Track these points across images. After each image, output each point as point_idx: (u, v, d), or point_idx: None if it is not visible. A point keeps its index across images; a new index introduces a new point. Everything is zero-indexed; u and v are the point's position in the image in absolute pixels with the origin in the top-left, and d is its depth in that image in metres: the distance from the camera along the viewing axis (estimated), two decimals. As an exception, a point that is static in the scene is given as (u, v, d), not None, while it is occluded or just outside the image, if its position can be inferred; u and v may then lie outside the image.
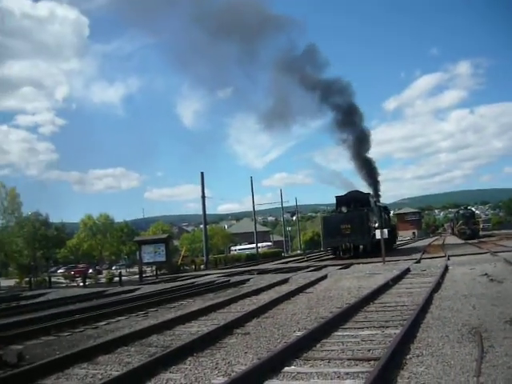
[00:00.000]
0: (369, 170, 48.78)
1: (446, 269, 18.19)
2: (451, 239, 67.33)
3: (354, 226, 31.91)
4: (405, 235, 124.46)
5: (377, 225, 32.08)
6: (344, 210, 33.59)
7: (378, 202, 43.96)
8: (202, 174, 43.95)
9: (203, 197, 43.29)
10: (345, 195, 36.18)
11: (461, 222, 65.62)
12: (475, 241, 49.61)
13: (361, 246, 32.25)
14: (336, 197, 36.33)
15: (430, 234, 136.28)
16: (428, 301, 10.55)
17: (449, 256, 25.33)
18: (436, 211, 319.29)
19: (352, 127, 47.11)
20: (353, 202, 34.24)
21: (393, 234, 45.86)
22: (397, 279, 15.63)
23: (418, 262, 23.75)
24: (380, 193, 50.50)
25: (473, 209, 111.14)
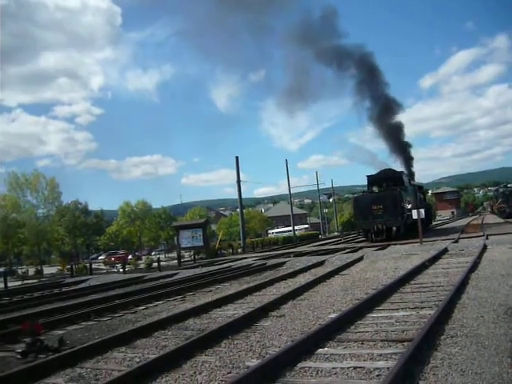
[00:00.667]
0: (398, 142, 46.09)
1: (485, 248, 17.97)
2: (491, 218, 66.18)
3: (386, 207, 29.51)
4: (444, 215, 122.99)
5: (410, 205, 29.36)
6: (375, 189, 30.70)
7: (413, 180, 41.77)
8: (237, 158, 44.03)
9: (238, 181, 43.42)
10: (377, 174, 34.06)
11: (500, 200, 64.24)
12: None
13: (394, 228, 29.68)
14: (367, 176, 33.81)
15: (469, 213, 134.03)
16: (464, 281, 10.46)
17: (487, 235, 24.94)
18: (475, 190, 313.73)
19: (373, 92, 44.32)
20: (385, 182, 31.81)
21: (429, 214, 43.26)
22: (434, 259, 15.52)
23: (456, 241, 23.47)
24: (414, 170, 47.99)
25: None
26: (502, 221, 49.84)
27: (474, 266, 12.96)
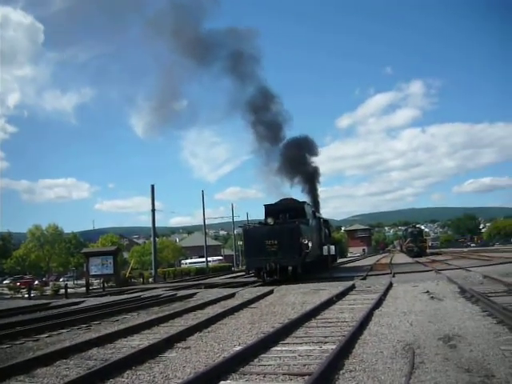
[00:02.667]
0: (304, 172, 44.24)
1: (390, 286, 18.55)
2: (399, 256, 68.68)
3: (281, 243, 25.00)
4: (355, 251, 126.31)
5: (310, 241, 26.25)
6: (270, 221, 26.11)
7: (318, 212, 39.14)
8: (153, 186, 43.69)
9: (153, 210, 43.02)
10: (275, 204, 29.68)
11: (409, 239, 67.02)
12: (423, 258, 50.65)
13: (290, 268, 24.89)
14: (265, 206, 29.40)
15: (379, 251, 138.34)
16: (367, 317, 10.78)
17: (394, 273, 25.85)
18: (386, 228, 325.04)
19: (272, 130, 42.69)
20: (284, 212, 27.14)
21: (335, 251, 40.70)
22: (341, 295, 15.88)
23: (364, 278, 24.19)
24: (320, 200, 46.61)
25: (422, 227, 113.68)
26: (410, 260, 51.69)
27: (379, 303, 13.38)
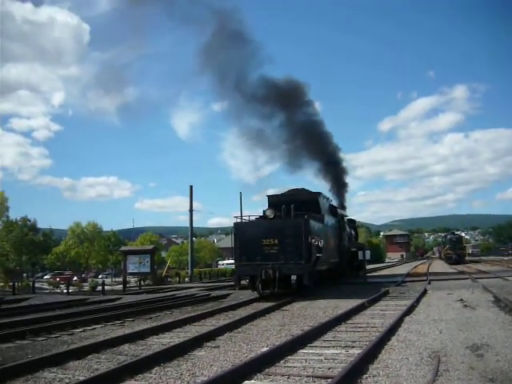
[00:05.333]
0: (328, 163, 38.45)
1: (425, 293, 18.41)
2: (438, 263, 67.69)
3: (283, 243, 18.92)
4: (393, 257, 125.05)
5: (320, 244, 19.89)
6: (269, 214, 19.93)
7: (340, 209, 31.15)
8: (191, 187, 44.07)
9: (191, 210, 43.41)
10: (281, 194, 23.93)
11: (448, 246, 65.91)
12: (460, 266, 49.88)
13: (293, 277, 18.71)
14: (268, 196, 23.43)
15: (418, 257, 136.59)
16: (397, 323, 10.78)
17: (430, 280, 25.55)
18: (426, 234, 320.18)
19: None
20: (291, 206, 19.73)
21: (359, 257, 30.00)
22: (373, 301, 15.84)
23: (399, 284, 23.98)
24: (346, 196, 39.87)
25: (462, 234, 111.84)
26: (447, 267, 50.98)
27: (410, 310, 13.32)
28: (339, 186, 39.44)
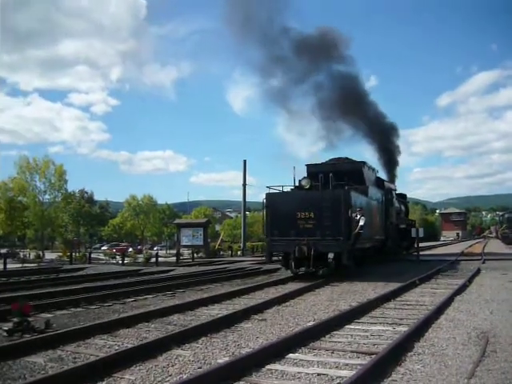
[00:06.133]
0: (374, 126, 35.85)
1: (478, 272, 18.08)
2: (494, 243, 66.10)
3: (320, 216, 17.06)
4: (448, 235, 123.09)
5: (363, 219, 17.07)
6: (305, 184, 18.20)
7: (388, 182, 28.25)
8: (245, 161, 44.23)
9: (244, 184, 43.64)
10: (321, 164, 21.89)
11: (505, 225, 63.85)
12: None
13: (330, 255, 16.65)
14: (306, 166, 21.01)
15: (474, 236, 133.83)
16: (447, 302, 10.64)
17: (484, 260, 25.04)
18: (483, 213, 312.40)
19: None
20: (333, 176, 17.86)
21: (409, 235, 28.57)
22: (424, 279, 15.65)
23: (452, 263, 23.59)
24: (396, 169, 37.13)
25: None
26: (504, 247, 49.76)
27: (462, 289, 13.11)
28: (388, 158, 36.88)
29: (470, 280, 15.46)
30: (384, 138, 37.01)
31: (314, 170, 19.71)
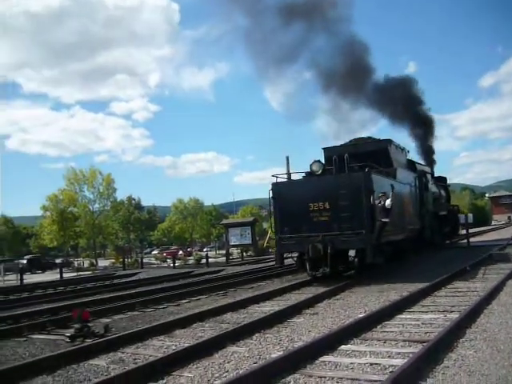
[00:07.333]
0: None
1: (531, 257, 17.76)
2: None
3: (336, 206, 14.40)
4: (499, 219, 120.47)
5: (391, 203, 14.26)
6: (316, 169, 15.38)
7: (423, 165, 25.54)
8: (287, 158, 44.12)
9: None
10: (340, 146, 18.89)
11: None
12: None
13: (351, 252, 14.18)
14: (323, 150, 18.40)
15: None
16: (499, 287, 10.58)
17: (538, 243, 24.54)
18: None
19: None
20: (355, 159, 15.27)
21: (451, 222, 26.66)
22: (475, 265, 15.49)
23: (503, 248, 23.19)
24: (434, 155, 32.87)
25: None
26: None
27: (515, 274, 12.97)
28: (422, 143, 32.92)
29: (522, 264, 15.26)
30: (418, 122, 33.20)
31: (332, 153, 16.21)
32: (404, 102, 31.77)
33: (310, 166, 15.52)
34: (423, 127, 32.88)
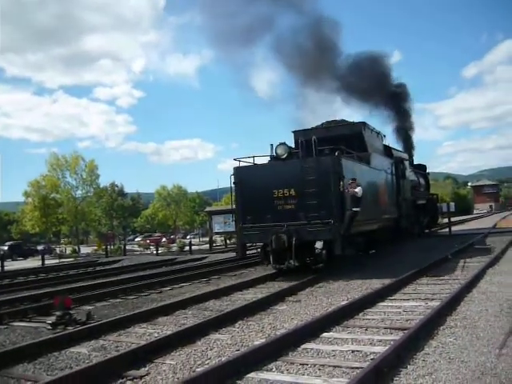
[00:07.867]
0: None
1: (511, 245, 17.97)
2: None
3: (303, 194, 13.35)
4: (481, 208, 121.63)
5: (360, 190, 13.33)
6: (281, 152, 14.16)
7: (400, 150, 24.30)
8: (272, 145, 44.29)
9: (272, 168, 43.72)
10: (310, 129, 17.41)
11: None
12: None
13: (318, 244, 13.17)
14: (293, 133, 17.23)
15: (508, 208, 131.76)
16: (479, 275, 10.70)
17: (518, 231, 24.84)
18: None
19: None
20: (327, 143, 14.30)
21: (430, 211, 26.61)
22: (456, 254, 15.64)
23: (485, 237, 23.41)
24: (412, 136, 31.61)
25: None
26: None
27: (494, 262, 13.12)
28: (400, 119, 31.28)
29: (503, 252, 15.46)
30: (392, 101, 31.09)
31: (302, 137, 14.97)
32: (375, 80, 29.74)
33: (275, 149, 14.28)
34: (399, 109, 31.32)
